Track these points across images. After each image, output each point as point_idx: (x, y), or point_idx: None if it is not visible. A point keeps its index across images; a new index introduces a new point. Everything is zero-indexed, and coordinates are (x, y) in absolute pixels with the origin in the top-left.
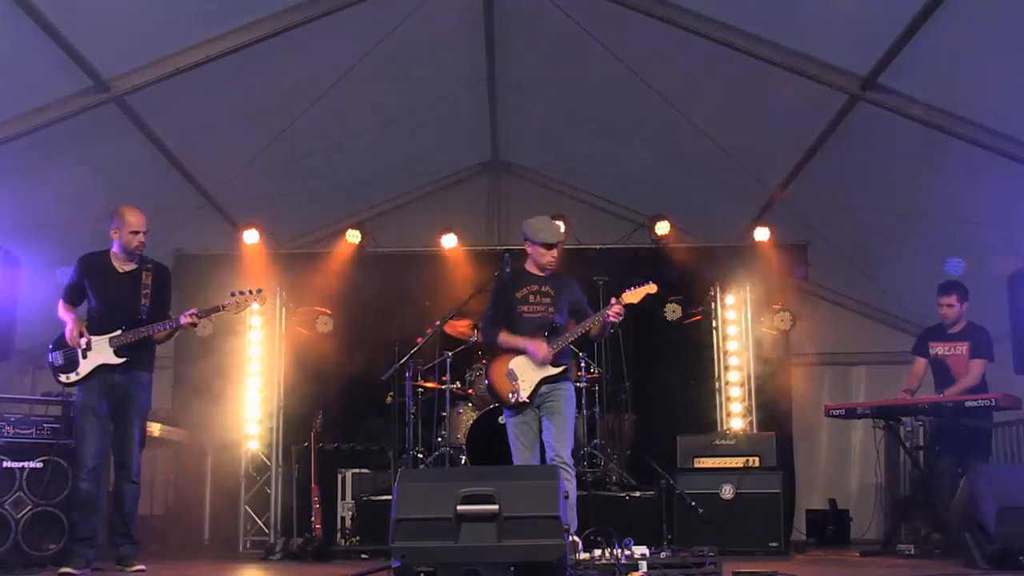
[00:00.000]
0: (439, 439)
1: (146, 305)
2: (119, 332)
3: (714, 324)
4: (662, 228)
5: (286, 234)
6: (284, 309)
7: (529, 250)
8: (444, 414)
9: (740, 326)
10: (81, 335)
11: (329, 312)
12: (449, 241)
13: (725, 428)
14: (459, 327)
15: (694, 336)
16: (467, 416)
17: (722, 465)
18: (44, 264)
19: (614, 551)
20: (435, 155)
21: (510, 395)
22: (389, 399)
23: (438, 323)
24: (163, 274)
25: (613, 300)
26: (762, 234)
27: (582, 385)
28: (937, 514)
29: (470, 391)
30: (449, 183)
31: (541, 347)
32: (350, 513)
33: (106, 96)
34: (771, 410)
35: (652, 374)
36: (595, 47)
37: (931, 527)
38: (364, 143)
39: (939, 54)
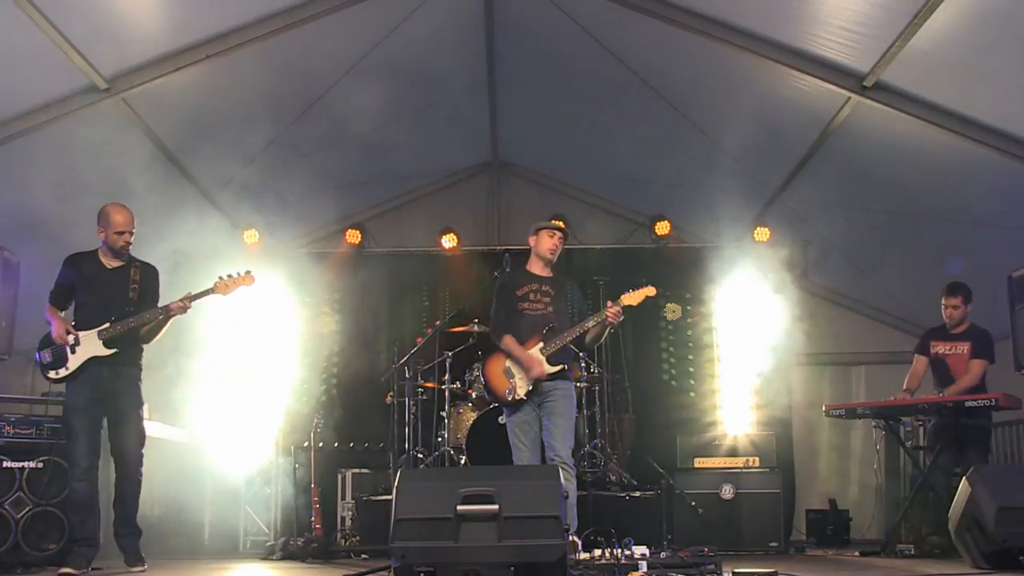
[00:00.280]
0: (439, 439)
1: (135, 299)
2: (107, 325)
3: (714, 324)
4: (662, 228)
5: (286, 234)
6: (284, 309)
7: (533, 242)
8: (444, 414)
9: (740, 326)
10: (68, 332)
11: (329, 312)
12: (449, 241)
13: (725, 428)
14: (460, 328)
15: (694, 336)
16: (467, 416)
17: (722, 465)
18: (44, 264)
19: (614, 551)
20: (435, 155)
21: (506, 392)
22: (389, 399)
23: (438, 323)
24: (151, 271)
25: (610, 303)
26: (762, 234)
27: (582, 385)
28: (937, 514)
29: (470, 391)
30: (449, 183)
31: (534, 365)
32: (350, 513)
33: (106, 96)
34: (771, 410)
35: (652, 374)
36: (595, 47)
37: (931, 527)
38: (364, 143)
39: (939, 53)
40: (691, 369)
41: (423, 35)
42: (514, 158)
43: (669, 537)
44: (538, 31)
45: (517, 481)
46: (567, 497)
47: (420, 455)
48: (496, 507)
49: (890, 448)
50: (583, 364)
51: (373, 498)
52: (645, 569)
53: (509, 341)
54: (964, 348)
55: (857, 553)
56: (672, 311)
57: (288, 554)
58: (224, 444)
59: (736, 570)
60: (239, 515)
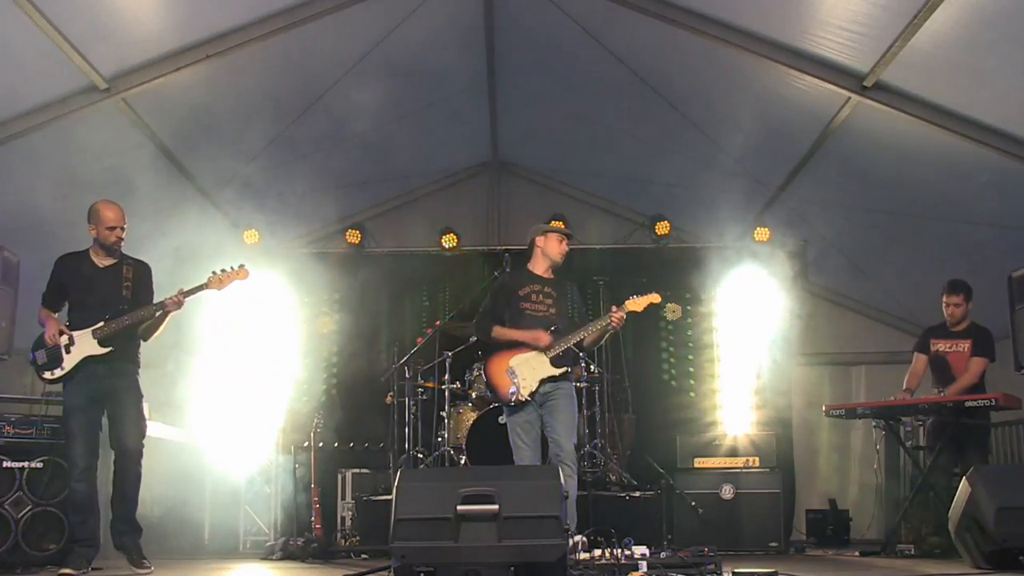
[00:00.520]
0: (439, 439)
1: (128, 297)
2: (101, 324)
3: (714, 324)
4: (662, 228)
5: (286, 234)
6: (284, 309)
7: (540, 244)
8: (444, 414)
9: (740, 326)
10: (62, 333)
11: (329, 312)
12: (449, 241)
13: (725, 428)
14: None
15: (694, 336)
16: (467, 416)
17: (722, 465)
18: (44, 264)
19: (614, 551)
20: (435, 155)
21: (510, 392)
22: (389, 399)
23: (438, 323)
24: (144, 268)
25: (614, 307)
26: (762, 234)
27: (582, 385)
28: (937, 514)
29: (470, 391)
30: (449, 183)
31: (541, 335)
32: (350, 513)
33: (106, 96)
34: (771, 410)
35: (652, 374)
36: (595, 47)
37: (931, 527)
38: (364, 143)
39: (939, 53)
40: (691, 369)
41: (423, 35)
42: (514, 158)
43: (669, 537)
44: (538, 31)
45: (517, 481)
46: (567, 496)
47: (420, 455)
48: (496, 507)
49: (890, 448)
50: (583, 364)
51: (373, 498)
52: (645, 569)
53: (501, 329)
54: (965, 346)
55: (857, 553)
56: (672, 311)
57: (288, 554)
58: (224, 444)
59: (736, 570)
60: (239, 515)
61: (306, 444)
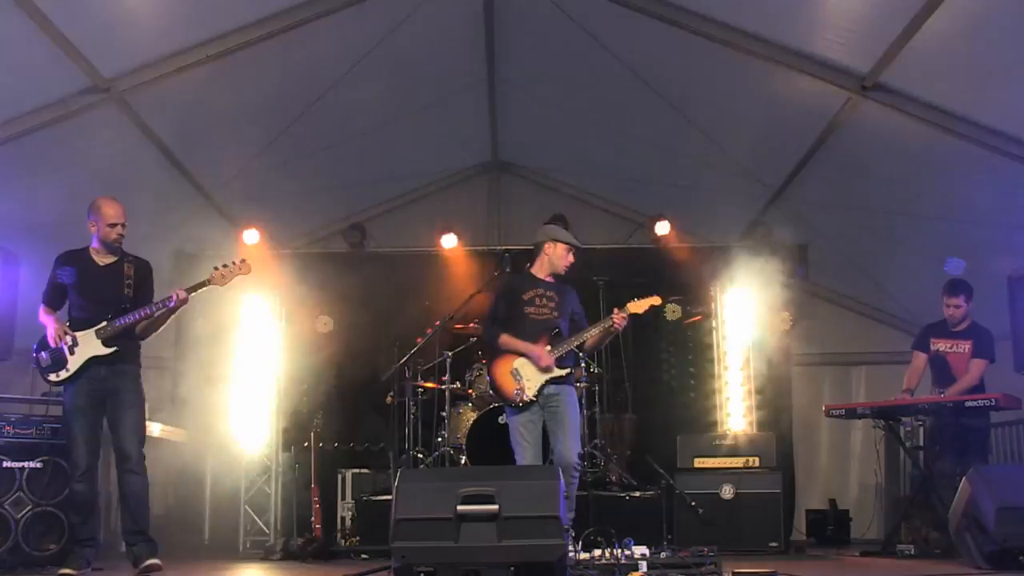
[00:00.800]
0: (439, 439)
1: (130, 295)
2: (105, 323)
3: (714, 324)
4: (662, 228)
5: (286, 234)
6: (284, 309)
7: (549, 250)
8: (444, 414)
9: (740, 326)
10: (65, 334)
11: (329, 312)
12: (449, 241)
13: (725, 428)
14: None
15: (694, 336)
16: (467, 416)
17: (722, 465)
18: (44, 264)
19: (614, 551)
20: (435, 155)
21: (515, 394)
22: (389, 399)
23: (438, 323)
24: (144, 267)
25: (616, 310)
26: (761, 234)
27: (582, 385)
28: (937, 514)
29: (470, 391)
30: (449, 183)
31: (543, 355)
32: (350, 513)
33: (106, 96)
34: (771, 410)
35: (652, 374)
36: (595, 47)
37: (931, 527)
38: (364, 143)
39: (939, 53)
40: (691, 369)
41: (423, 35)
42: (514, 158)
43: (669, 537)
44: (538, 31)
45: (517, 481)
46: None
47: (420, 455)
48: (496, 507)
49: (890, 448)
50: (583, 364)
51: (373, 498)
52: (645, 569)
53: (508, 338)
54: (966, 347)
55: (857, 553)
56: (672, 311)
57: (288, 554)
58: (224, 444)
59: (736, 570)
60: (239, 515)
61: (306, 444)
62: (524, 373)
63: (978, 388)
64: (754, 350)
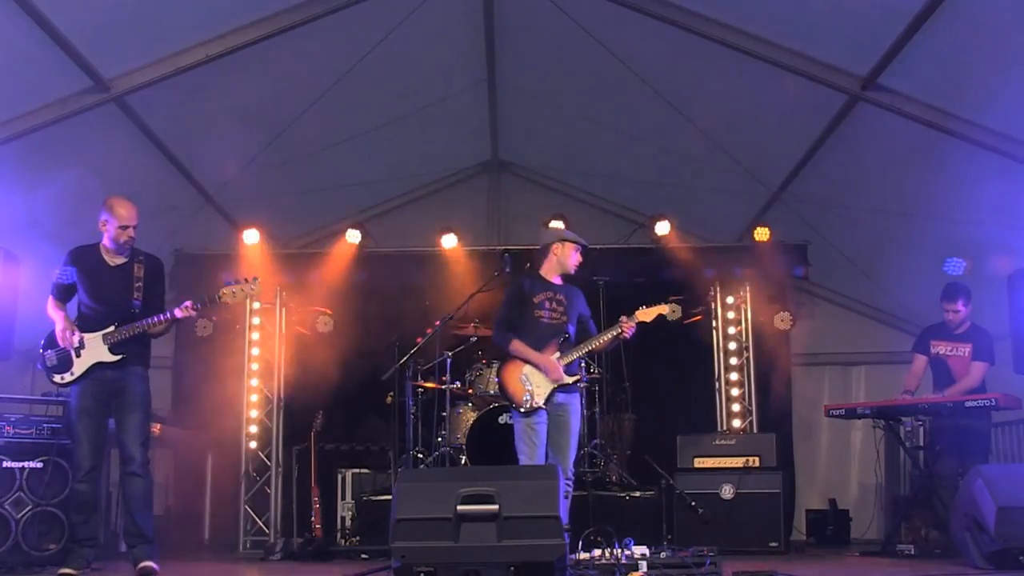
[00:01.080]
0: (439, 439)
1: (138, 299)
2: (112, 328)
3: (714, 324)
4: (662, 228)
5: (286, 234)
6: (284, 309)
7: (557, 251)
8: (444, 414)
9: (740, 326)
10: (72, 334)
11: (329, 312)
12: (449, 241)
13: (725, 428)
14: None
15: (694, 336)
16: (467, 416)
17: (722, 465)
18: (44, 264)
19: (614, 551)
20: (435, 155)
21: (524, 400)
22: (389, 399)
23: (438, 323)
24: (155, 266)
25: (624, 318)
26: (762, 234)
27: (583, 385)
28: (937, 514)
29: (470, 391)
30: (449, 183)
31: (555, 366)
32: (350, 513)
33: (106, 96)
34: (771, 410)
35: (652, 374)
36: (595, 47)
37: (931, 527)
38: (364, 143)
39: (939, 54)
40: (691, 369)
41: (423, 35)
42: (514, 158)
43: (669, 537)
44: (538, 31)
45: (517, 481)
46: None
47: (420, 455)
48: (496, 507)
49: (890, 448)
50: (583, 364)
51: (373, 498)
52: (645, 569)
53: (519, 346)
54: (966, 350)
55: (857, 553)
56: (672, 311)
57: (288, 554)
58: (224, 443)
59: (736, 570)
60: (239, 515)
61: (306, 444)
62: (534, 380)
63: (979, 391)
64: (754, 350)
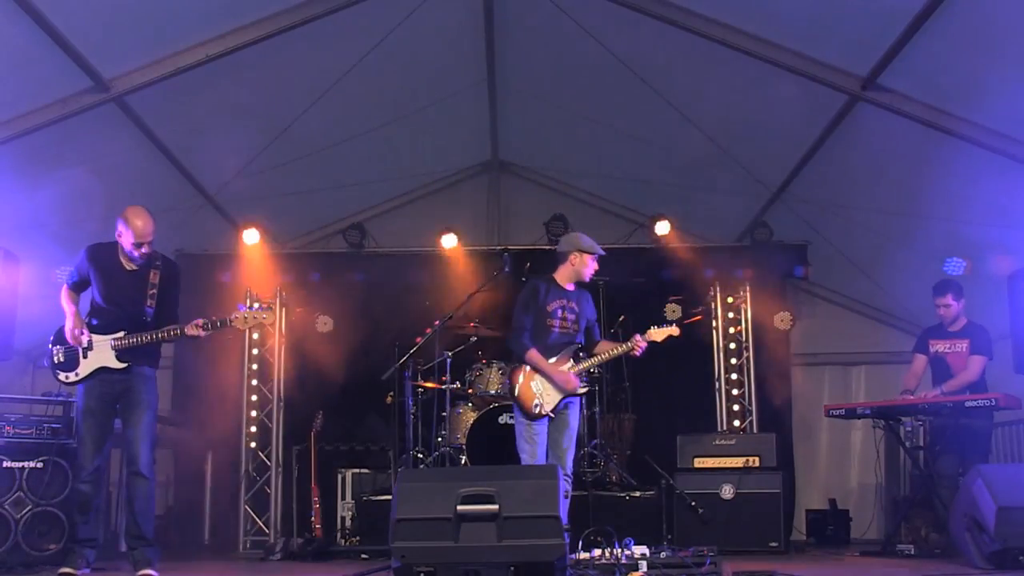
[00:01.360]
0: (439, 439)
1: (151, 307)
2: (122, 334)
3: (714, 324)
4: (662, 228)
5: (286, 234)
6: (284, 309)
7: (575, 261)
8: (444, 414)
9: (740, 326)
10: (81, 333)
11: (329, 312)
12: (449, 241)
13: (725, 428)
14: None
15: (694, 336)
16: (467, 416)
17: (722, 465)
18: (44, 264)
19: (614, 551)
20: (435, 155)
21: (534, 406)
22: (389, 399)
23: (438, 323)
24: (172, 272)
25: (638, 336)
26: (762, 234)
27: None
28: (937, 514)
29: (470, 391)
30: (449, 183)
31: (569, 379)
32: (350, 513)
33: (106, 96)
34: (771, 410)
35: (652, 374)
36: (595, 47)
37: (931, 527)
38: (364, 143)
39: (939, 54)
40: (691, 369)
41: (423, 35)
42: (514, 158)
43: (669, 537)
44: (538, 31)
45: (517, 481)
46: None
47: (420, 455)
48: (496, 507)
49: (890, 448)
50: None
51: (373, 498)
52: (645, 569)
53: (536, 356)
54: (963, 346)
55: (857, 553)
56: (672, 311)
57: (288, 554)
58: (224, 443)
59: (736, 570)
60: (239, 515)
61: (306, 444)
62: (545, 388)
63: (979, 385)
64: (754, 350)
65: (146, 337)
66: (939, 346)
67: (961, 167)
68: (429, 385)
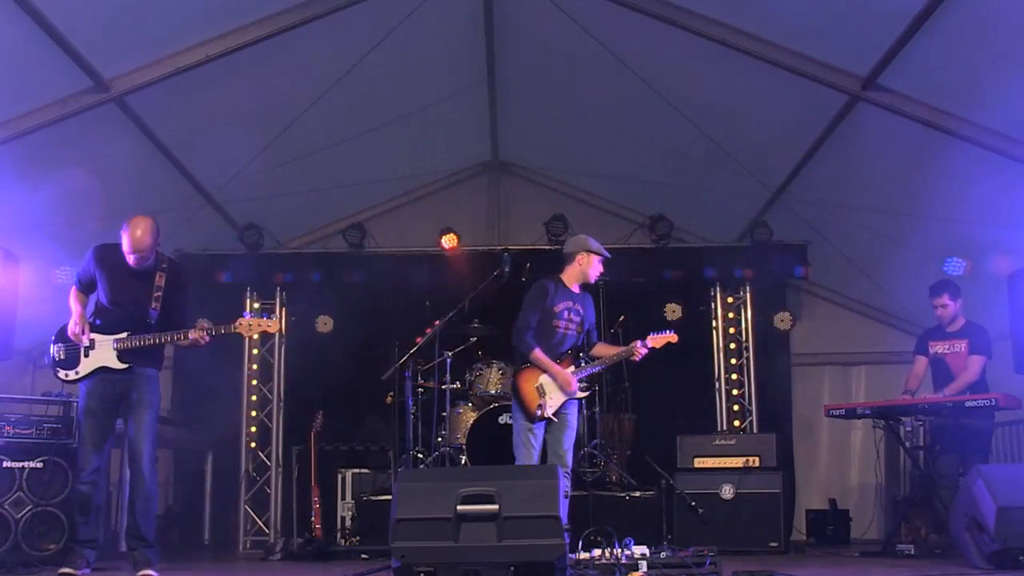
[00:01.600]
0: (439, 439)
1: (155, 309)
2: (124, 335)
3: (714, 324)
4: (662, 228)
5: (286, 234)
6: (284, 309)
7: (583, 261)
8: (444, 414)
9: (740, 326)
10: (84, 333)
11: (329, 312)
12: (449, 241)
13: (725, 428)
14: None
15: (694, 336)
16: (467, 416)
17: (722, 465)
18: (44, 264)
19: (614, 551)
20: (435, 155)
21: (536, 409)
22: (389, 399)
23: (438, 323)
24: (178, 276)
25: (639, 343)
26: (762, 234)
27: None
28: (937, 514)
29: (470, 391)
30: (449, 183)
31: (571, 381)
32: (350, 513)
33: (106, 96)
34: (771, 410)
35: (652, 374)
36: (595, 47)
37: (931, 527)
38: (364, 143)
39: (939, 54)
40: (691, 369)
41: (422, 35)
42: (514, 158)
43: (669, 537)
44: (538, 31)
45: (517, 481)
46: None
47: (420, 455)
48: (496, 507)
49: (890, 448)
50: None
51: (373, 498)
52: (645, 569)
53: (541, 356)
54: (962, 346)
55: (857, 553)
56: (672, 311)
57: (288, 554)
58: (224, 443)
59: (736, 570)
60: (239, 515)
61: (306, 444)
62: (548, 390)
63: (980, 385)
64: (754, 350)
65: (149, 339)
66: (938, 347)
67: (961, 167)
68: (429, 385)
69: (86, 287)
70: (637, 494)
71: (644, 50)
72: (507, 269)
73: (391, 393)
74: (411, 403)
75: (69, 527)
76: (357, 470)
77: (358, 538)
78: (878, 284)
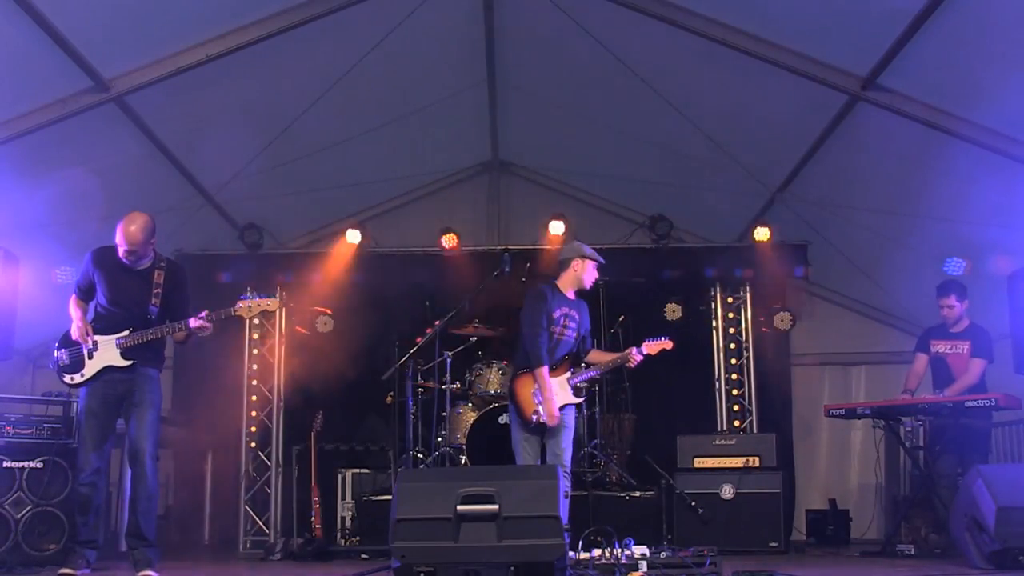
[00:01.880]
0: (439, 439)
1: (156, 306)
2: (127, 333)
3: (714, 324)
4: (663, 228)
5: (286, 234)
6: (284, 309)
7: (578, 267)
8: (444, 414)
9: (740, 326)
10: (87, 335)
11: (329, 312)
12: (449, 241)
13: (725, 428)
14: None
15: (694, 336)
16: (467, 416)
17: (722, 465)
18: (44, 264)
19: (614, 551)
20: (435, 155)
21: (532, 416)
22: (389, 399)
23: (438, 323)
24: (177, 274)
25: (634, 350)
26: (762, 234)
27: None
28: (937, 514)
29: (470, 391)
30: (449, 183)
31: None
32: (350, 513)
33: (106, 96)
34: (771, 410)
35: (652, 374)
36: (595, 47)
37: (931, 527)
38: (364, 143)
39: (939, 54)
40: (691, 369)
41: (423, 35)
42: (514, 158)
43: (669, 537)
44: (538, 31)
45: (517, 481)
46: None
47: (420, 455)
48: (496, 507)
49: (890, 448)
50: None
51: (373, 498)
52: (645, 569)
53: (545, 375)
54: (964, 347)
55: (857, 553)
56: (672, 311)
57: (288, 554)
58: (224, 443)
59: (736, 570)
60: (239, 515)
61: (306, 444)
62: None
63: (979, 386)
64: (754, 350)
65: (151, 334)
66: (940, 346)
67: (961, 167)
68: (429, 385)
69: (85, 293)
70: (637, 494)
71: (644, 50)
72: (507, 269)
73: (391, 393)
74: (411, 403)
75: (69, 527)
76: (357, 470)
77: (358, 538)
78: (878, 284)
